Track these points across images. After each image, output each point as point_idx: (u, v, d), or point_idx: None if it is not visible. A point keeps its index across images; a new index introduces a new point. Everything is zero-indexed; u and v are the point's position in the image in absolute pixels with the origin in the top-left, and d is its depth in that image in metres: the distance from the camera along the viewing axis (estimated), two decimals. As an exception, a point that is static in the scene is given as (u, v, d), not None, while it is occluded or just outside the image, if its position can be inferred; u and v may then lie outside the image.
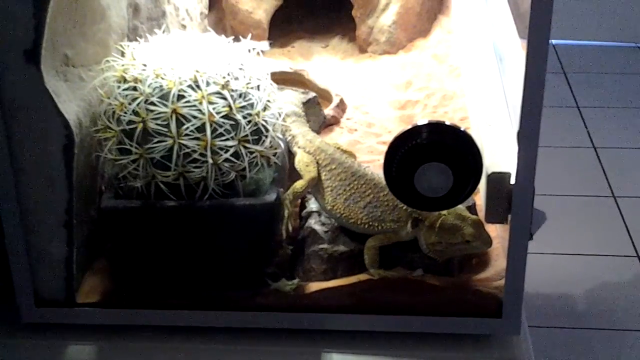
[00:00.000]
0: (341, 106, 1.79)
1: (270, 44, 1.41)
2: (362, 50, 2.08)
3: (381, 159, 1.21)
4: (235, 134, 1.24)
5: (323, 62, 2.05)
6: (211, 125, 1.22)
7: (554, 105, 3.41)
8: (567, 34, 3.82)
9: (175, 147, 1.21)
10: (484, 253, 1.34)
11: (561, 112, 3.39)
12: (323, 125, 1.71)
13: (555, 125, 3.21)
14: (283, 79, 1.69)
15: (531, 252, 1.18)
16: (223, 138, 1.23)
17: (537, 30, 1.05)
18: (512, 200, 1.14)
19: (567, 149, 3.16)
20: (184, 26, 1.78)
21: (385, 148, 1.20)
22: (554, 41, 3.80)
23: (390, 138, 1.20)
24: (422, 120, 1.19)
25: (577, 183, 2.95)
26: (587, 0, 3.75)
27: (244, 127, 1.24)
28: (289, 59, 2.04)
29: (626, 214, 2.77)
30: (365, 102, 1.85)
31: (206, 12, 2.01)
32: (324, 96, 1.78)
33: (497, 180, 1.16)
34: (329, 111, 1.74)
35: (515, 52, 1.44)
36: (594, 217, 2.78)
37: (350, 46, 2.11)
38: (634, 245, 2.62)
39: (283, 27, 2.16)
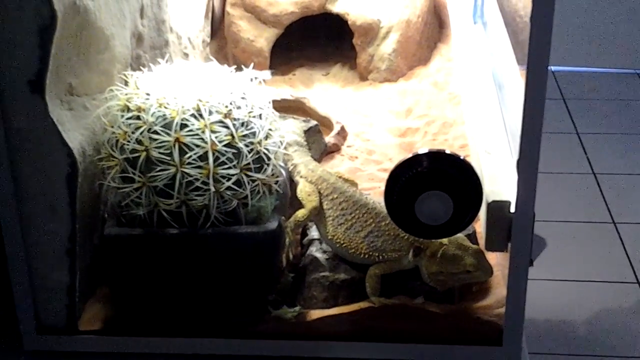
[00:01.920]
0: (342, 134, 1.80)
1: (272, 73, 1.42)
2: (363, 78, 2.10)
3: (382, 187, 1.22)
4: (238, 162, 1.25)
5: (324, 89, 2.07)
6: (213, 154, 1.23)
7: (554, 132, 3.42)
8: (567, 61, 3.84)
9: (178, 176, 1.23)
10: (485, 281, 1.34)
11: (561, 139, 3.41)
12: (324, 152, 1.72)
13: (554, 151, 3.22)
14: (284, 107, 1.71)
15: (531, 278, 1.18)
16: (225, 166, 1.24)
17: (536, 59, 1.06)
18: (512, 229, 1.15)
19: (566, 175, 3.17)
20: (186, 54, 1.80)
21: (385, 175, 1.21)
22: (553, 67, 3.82)
23: (390, 165, 1.21)
24: (422, 149, 1.20)
25: (577, 209, 2.95)
26: (586, 27, 3.77)
27: (246, 156, 1.25)
28: (290, 87, 2.06)
29: (626, 240, 2.77)
30: (366, 129, 1.86)
31: (208, 40, 2.03)
32: (325, 124, 1.80)
33: (497, 208, 1.16)
34: (330, 139, 1.76)
35: (514, 80, 1.46)
36: (593, 244, 2.78)
37: (350, 74, 2.13)
38: (634, 272, 2.62)
39: (284, 55, 2.18)
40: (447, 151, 1.20)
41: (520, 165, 1.10)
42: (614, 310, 2.48)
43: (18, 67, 1.17)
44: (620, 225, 2.87)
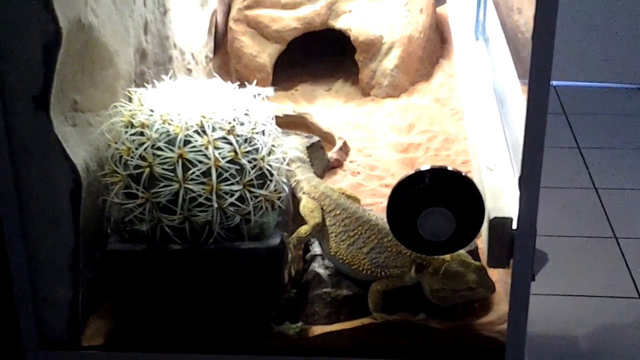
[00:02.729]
0: (344, 149, 1.81)
1: (275, 90, 1.43)
2: (365, 93, 2.11)
3: (384, 202, 1.23)
4: (241, 179, 1.25)
5: (326, 105, 2.07)
6: (217, 170, 1.24)
7: (555, 146, 3.42)
8: (568, 75, 3.85)
9: (181, 192, 1.23)
10: (487, 297, 1.34)
11: (562, 153, 3.41)
12: (327, 168, 1.72)
13: (556, 166, 3.22)
14: (287, 122, 1.71)
15: (533, 292, 1.18)
16: (228, 182, 1.25)
17: (538, 77, 1.07)
18: (514, 246, 1.15)
19: (568, 189, 3.17)
20: (189, 70, 1.81)
21: (388, 191, 1.21)
22: (554, 82, 3.82)
23: (392, 181, 1.21)
24: (424, 166, 1.20)
25: (579, 224, 2.95)
26: (587, 41, 3.78)
27: (249, 172, 1.26)
28: (292, 102, 2.06)
29: (628, 255, 2.77)
30: (368, 145, 1.86)
31: (211, 55, 2.04)
32: (327, 139, 1.80)
33: (499, 225, 1.16)
34: (332, 154, 1.76)
35: (516, 96, 1.47)
36: (595, 259, 2.77)
37: (353, 89, 2.13)
38: (636, 287, 2.62)
39: (287, 71, 2.19)
40: (449, 168, 1.20)
41: (522, 182, 1.11)
42: (616, 325, 2.47)
43: (23, 83, 1.18)
44: (622, 240, 2.86)
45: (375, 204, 1.58)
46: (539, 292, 2.38)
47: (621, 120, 3.69)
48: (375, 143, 1.87)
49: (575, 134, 3.57)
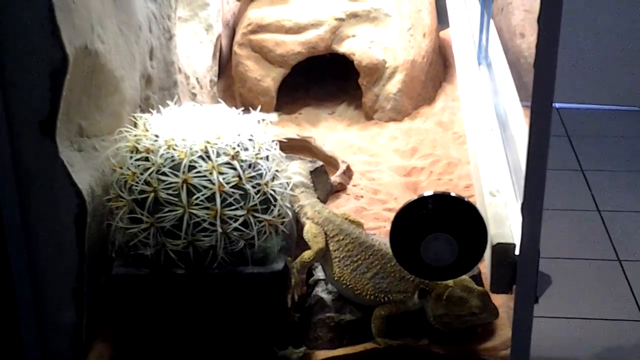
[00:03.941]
0: (348, 173, 1.81)
1: (279, 114, 1.44)
2: (368, 117, 2.12)
3: (387, 226, 1.23)
4: (245, 204, 1.26)
5: (330, 128, 2.08)
6: (221, 195, 1.24)
7: (558, 169, 3.43)
8: (571, 98, 3.86)
9: (186, 217, 1.24)
10: (490, 322, 1.34)
11: (565, 176, 3.41)
12: (330, 192, 1.73)
13: (559, 188, 3.22)
14: (290, 146, 1.72)
15: (536, 315, 1.18)
16: (232, 207, 1.25)
17: (541, 104, 1.07)
18: (517, 272, 1.15)
19: (571, 212, 3.17)
20: (194, 94, 1.82)
21: (391, 215, 1.21)
22: (557, 105, 3.83)
23: (395, 205, 1.22)
24: (427, 191, 1.21)
25: (582, 246, 2.94)
26: (590, 64, 3.79)
27: (253, 197, 1.26)
28: (296, 126, 2.07)
29: (631, 278, 2.76)
30: (371, 168, 1.87)
31: (216, 79, 2.06)
32: (330, 163, 1.81)
33: (502, 251, 1.17)
34: (335, 178, 1.77)
35: (518, 120, 1.47)
36: (599, 281, 2.77)
37: (356, 113, 2.15)
38: (639, 309, 2.61)
39: (291, 94, 2.20)
40: (452, 194, 1.21)
41: (525, 208, 1.11)
42: (619, 347, 2.46)
43: (29, 108, 1.19)
44: (625, 262, 2.86)
45: (378, 228, 1.59)
46: (542, 315, 2.37)
47: (624, 143, 3.69)
48: (379, 167, 1.88)
49: (579, 156, 3.57)
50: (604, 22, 3.70)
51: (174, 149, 1.26)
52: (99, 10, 1.28)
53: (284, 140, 1.49)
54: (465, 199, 1.20)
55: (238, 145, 1.28)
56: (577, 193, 3.32)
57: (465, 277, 1.28)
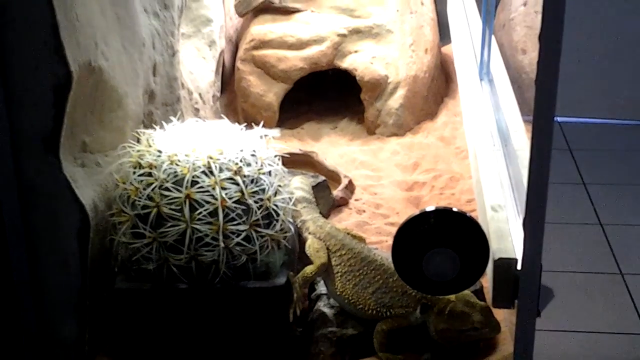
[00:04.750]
0: (350, 187, 1.82)
1: (281, 129, 1.45)
2: (370, 132, 2.12)
3: (389, 240, 1.23)
4: (247, 219, 1.27)
5: (332, 143, 2.09)
6: (223, 210, 1.25)
7: (560, 182, 3.42)
8: (573, 111, 3.86)
9: (188, 232, 1.24)
10: (492, 337, 1.34)
11: (567, 189, 3.40)
12: (332, 207, 1.73)
13: (561, 202, 3.22)
14: (293, 161, 1.73)
15: (538, 328, 1.18)
16: (235, 222, 1.26)
17: (542, 118, 1.08)
18: (519, 287, 1.15)
19: (573, 225, 3.16)
20: (197, 109, 1.83)
21: (393, 229, 1.22)
22: (559, 118, 3.83)
23: (397, 219, 1.22)
24: (429, 207, 1.21)
25: (584, 260, 2.93)
26: (592, 78, 3.79)
27: (256, 212, 1.27)
28: (298, 140, 2.08)
29: (634, 291, 2.75)
30: (374, 183, 1.88)
31: (218, 94, 2.07)
32: (332, 177, 1.82)
33: (504, 266, 1.17)
34: (337, 192, 1.77)
35: (519, 136, 1.48)
36: (601, 294, 2.76)
37: (358, 128, 2.15)
38: (642, 324, 2.60)
39: (293, 109, 2.21)
40: (454, 209, 1.21)
41: (527, 224, 1.11)
42: (622, 362, 2.46)
43: (33, 124, 1.19)
44: (627, 276, 2.85)
45: (380, 242, 1.59)
46: (544, 328, 2.36)
47: (626, 156, 3.69)
48: (381, 181, 1.88)
49: (580, 170, 3.57)
50: (607, 36, 3.71)
51: (177, 165, 1.27)
52: (102, 28, 1.29)
53: (287, 155, 1.50)
54: (467, 214, 1.20)
55: (241, 161, 1.29)
56: (579, 206, 3.32)
57: (467, 291, 1.28)
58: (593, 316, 2.63)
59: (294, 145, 1.96)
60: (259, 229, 1.27)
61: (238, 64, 2.14)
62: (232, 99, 2.18)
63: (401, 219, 1.22)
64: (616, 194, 3.38)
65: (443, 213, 1.20)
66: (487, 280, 1.31)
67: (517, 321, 1.15)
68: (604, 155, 3.73)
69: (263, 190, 1.29)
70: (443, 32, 2.38)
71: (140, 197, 1.26)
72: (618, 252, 2.96)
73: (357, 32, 2.14)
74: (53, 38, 1.14)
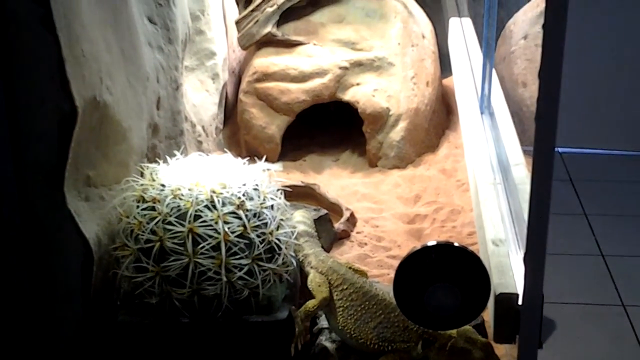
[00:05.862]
0: (351, 220, 1.82)
1: (282, 163, 1.46)
2: (372, 164, 2.13)
3: (391, 273, 1.24)
4: (249, 253, 1.27)
5: (334, 175, 2.10)
6: (226, 244, 1.26)
7: (562, 213, 3.42)
8: (574, 142, 3.87)
9: (191, 266, 1.25)
10: (493, 371, 1.34)
11: (569, 220, 3.40)
12: (334, 240, 1.74)
13: (562, 233, 3.21)
14: (295, 193, 1.74)
15: (540, 360, 1.18)
16: (237, 256, 1.26)
17: (542, 154, 1.08)
18: (521, 322, 1.15)
19: (575, 256, 3.15)
20: (200, 142, 1.84)
21: (394, 262, 1.22)
22: (560, 149, 3.83)
23: (399, 252, 1.22)
24: (431, 241, 1.22)
25: (586, 291, 2.92)
26: (593, 109, 3.80)
27: (258, 246, 1.28)
28: (300, 172, 2.09)
29: (636, 323, 2.74)
30: (375, 215, 1.88)
31: (221, 127, 2.08)
32: (334, 210, 1.82)
33: (505, 301, 1.17)
34: (339, 225, 1.78)
35: (519, 170, 1.48)
36: (603, 326, 2.75)
37: (360, 160, 2.16)
38: (644, 356, 2.59)
39: (295, 142, 2.22)
40: (456, 244, 1.22)
41: (528, 259, 1.12)
42: (625, 394, 2.44)
43: (38, 159, 1.20)
44: (629, 307, 2.84)
45: (382, 275, 1.60)
46: (546, 361, 2.36)
47: (628, 187, 3.69)
48: (382, 214, 1.89)
49: (582, 201, 3.57)
50: (608, 66, 3.73)
51: (180, 199, 1.28)
52: (108, 63, 1.30)
53: (289, 189, 1.51)
54: (468, 249, 1.21)
55: (243, 195, 1.29)
56: (580, 237, 3.31)
57: (468, 327, 1.28)
58: (595, 347, 2.62)
59: (296, 177, 1.97)
60: (261, 263, 1.28)
61: (241, 96, 2.16)
62: (235, 131, 2.19)
63: (403, 252, 1.23)
64: (618, 225, 3.37)
65: (444, 248, 1.21)
66: (488, 314, 1.31)
67: (518, 356, 1.16)
68: (606, 186, 3.73)
69: (265, 224, 1.30)
70: (444, 64, 2.39)
71: (143, 231, 1.27)
72: (620, 284, 2.95)
73: (358, 65, 2.15)
74: (59, 73, 1.16)
